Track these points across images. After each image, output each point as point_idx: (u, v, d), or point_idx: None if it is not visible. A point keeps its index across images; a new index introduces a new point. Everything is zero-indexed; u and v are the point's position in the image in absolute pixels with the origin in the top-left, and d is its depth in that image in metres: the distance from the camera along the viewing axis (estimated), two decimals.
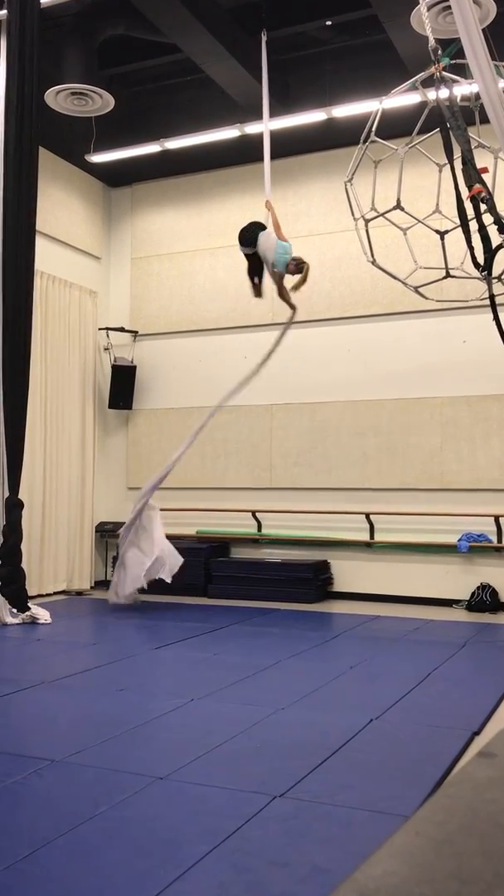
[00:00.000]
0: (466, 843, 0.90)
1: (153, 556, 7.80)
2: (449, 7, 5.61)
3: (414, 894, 0.80)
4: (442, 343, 8.81)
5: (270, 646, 6.39)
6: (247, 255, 7.41)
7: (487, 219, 5.73)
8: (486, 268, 5.88)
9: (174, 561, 8.00)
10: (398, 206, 6.68)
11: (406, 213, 6.74)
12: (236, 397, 7.81)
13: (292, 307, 7.36)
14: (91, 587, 9.78)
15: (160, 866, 2.58)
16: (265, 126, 7.71)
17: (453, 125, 5.80)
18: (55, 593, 9.22)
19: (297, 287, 7.03)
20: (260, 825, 2.89)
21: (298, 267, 7.00)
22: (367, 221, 7.02)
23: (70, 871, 2.58)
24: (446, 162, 6.10)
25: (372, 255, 7.11)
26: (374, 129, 6.63)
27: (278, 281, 7.13)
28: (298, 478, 9.40)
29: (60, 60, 7.91)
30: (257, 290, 7.54)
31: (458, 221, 5.96)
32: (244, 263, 7.56)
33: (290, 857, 2.66)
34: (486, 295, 6.25)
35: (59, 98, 7.98)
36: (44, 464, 9.19)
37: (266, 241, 7.16)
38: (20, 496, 7.42)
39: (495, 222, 5.58)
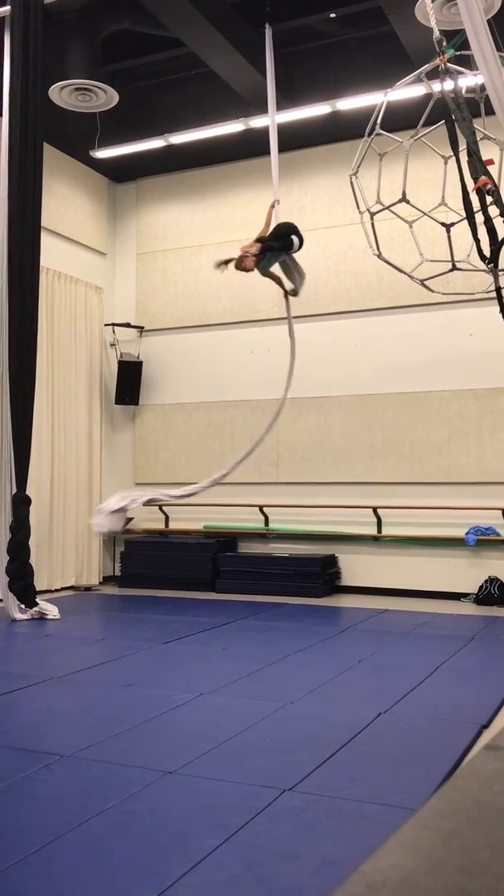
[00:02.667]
0: (474, 835, 0.91)
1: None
2: None
3: (421, 886, 0.80)
4: (448, 336, 8.79)
5: (278, 640, 6.40)
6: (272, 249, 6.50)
7: (493, 211, 5.70)
8: (492, 260, 5.86)
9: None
10: (403, 199, 6.65)
11: (411, 205, 6.71)
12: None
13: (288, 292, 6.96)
14: (99, 583, 9.81)
15: (170, 860, 2.59)
16: (272, 121, 7.46)
17: (458, 117, 5.77)
18: (63, 589, 9.25)
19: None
20: (269, 819, 2.90)
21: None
22: (372, 214, 7.00)
23: (80, 866, 2.59)
24: (452, 154, 6.07)
25: (377, 249, 7.09)
26: (378, 121, 6.61)
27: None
28: (305, 472, 9.40)
29: (64, 56, 7.91)
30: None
31: (463, 214, 5.94)
32: None
33: (300, 851, 2.66)
34: (493, 287, 6.22)
35: (63, 94, 7.97)
36: (51, 460, 9.21)
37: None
38: (28, 492, 7.44)
39: (501, 214, 5.56)
